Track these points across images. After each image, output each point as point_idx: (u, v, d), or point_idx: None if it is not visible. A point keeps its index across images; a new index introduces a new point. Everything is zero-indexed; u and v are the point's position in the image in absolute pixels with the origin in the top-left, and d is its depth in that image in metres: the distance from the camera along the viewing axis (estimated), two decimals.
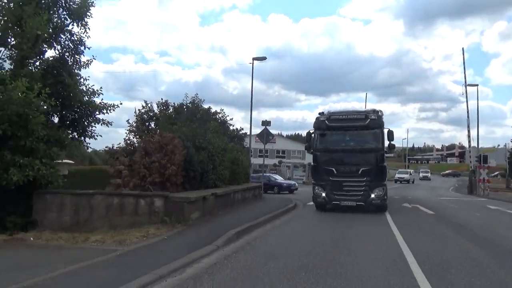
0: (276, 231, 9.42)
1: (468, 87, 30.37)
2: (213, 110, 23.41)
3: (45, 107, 9.40)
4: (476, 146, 31.42)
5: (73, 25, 11.51)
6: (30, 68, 10.79)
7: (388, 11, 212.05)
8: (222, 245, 7.21)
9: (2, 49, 10.84)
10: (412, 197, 22.04)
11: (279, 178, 28.93)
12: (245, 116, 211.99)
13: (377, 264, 6.01)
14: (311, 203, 14.38)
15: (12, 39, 10.75)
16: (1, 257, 6.70)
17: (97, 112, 11.71)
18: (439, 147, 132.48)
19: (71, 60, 11.81)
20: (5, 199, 9.19)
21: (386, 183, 13.46)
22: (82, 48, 11.79)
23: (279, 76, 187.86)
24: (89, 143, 12.08)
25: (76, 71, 11.77)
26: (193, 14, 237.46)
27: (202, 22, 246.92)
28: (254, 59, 21.73)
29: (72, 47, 11.67)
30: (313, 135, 13.55)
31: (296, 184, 28.24)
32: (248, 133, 22.49)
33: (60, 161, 11.03)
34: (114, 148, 16.82)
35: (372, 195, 12.58)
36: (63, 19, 11.44)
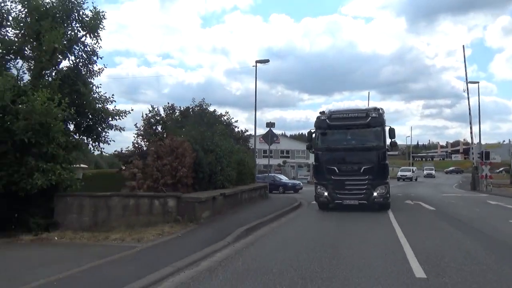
0: (283, 228, 9.96)
1: (470, 84, 30.74)
2: (218, 112, 24.08)
3: (64, 115, 10.02)
4: (479, 142, 31.74)
5: (86, 36, 12.15)
6: (47, 78, 11.45)
7: (390, 8, 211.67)
8: (233, 241, 7.74)
9: (20, 61, 11.53)
10: (415, 194, 22.44)
11: (284, 178, 29.41)
12: (248, 116, 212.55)
13: (376, 255, 6.54)
14: (315, 201, 14.83)
15: (30, 51, 11.44)
16: (33, 254, 7.32)
17: (110, 119, 12.35)
18: (444, 144, 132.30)
19: (85, 69, 12.45)
20: (29, 202, 9.85)
21: (389, 181, 13.47)
22: (95, 58, 12.42)
23: (282, 76, 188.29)
24: (103, 148, 12.71)
25: (89, 79, 12.44)
26: (194, 16, 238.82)
27: (204, 24, 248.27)
28: (257, 61, 22.22)
29: (86, 57, 12.31)
30: (314, 134, 13.57)
31: (301, 184, 28.60)
32: (253, 134, 23.07)
33: (77, 165, 11.67)
34: (123, 151, 17.52)
35: (375, 194, 12.63)
36: (76, 31, 12.07)
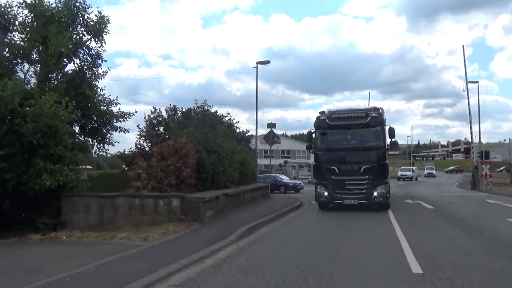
0: (284, 227, 10.19)
1: (470, 83, 30.92)
2: (219, 113, 24.33)
3: (71, 118, 10.28)
4: (479, 141, 31.92)
5: (90, 40, 12.42)
6: (53, 81, 11.71)
7: (390, 7, 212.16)
8: (236, 240, 7.97)
9: (27, 65, 11.80)
10: (415, 193, 22.65)
11: (285, 178, 29.57)
12: (249, 117, 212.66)
13: (375, 253, 6.77)
14: (315, 201, 14.97)
15: (36, 56, 11.71)
16: (44, 252, 7.56)
17: (114, 120, 12.61)
18: (445, 143, 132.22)
19: (89, 73, 12.74)
20: (36, 202, 10.11)
21: (389, 180, 13.51)
22: (99, 61, 12.71)
23: (283, 76, 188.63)
24: (108, 149, 12.97)
25: (94, 82, 12.71)
26: (195, 17, 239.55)
27: (204, 24, 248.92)
28: (258, 63, 22.41)
29: (90, 60, 12.59)
30: (314, 134, 13.56)
31: (302, 184, 28.66)
32: (254, 134, 23.30)
33: (83, 166, 11.93)
34: (126, 152, 17.76)
35: (375, 193, 12.64)
36: (81, 35, 12.34)
